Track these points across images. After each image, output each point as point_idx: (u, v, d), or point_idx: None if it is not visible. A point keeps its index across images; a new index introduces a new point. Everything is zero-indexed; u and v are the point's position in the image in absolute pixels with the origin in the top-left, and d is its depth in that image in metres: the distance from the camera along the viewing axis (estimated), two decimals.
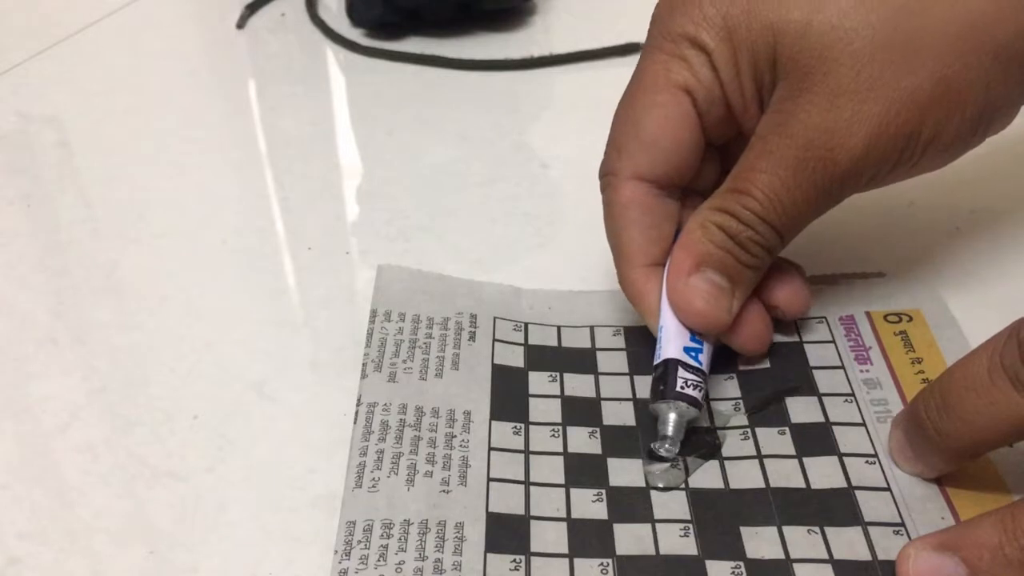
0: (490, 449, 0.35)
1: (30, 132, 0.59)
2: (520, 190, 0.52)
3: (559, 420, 0.37)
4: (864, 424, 0.36)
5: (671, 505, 0.34)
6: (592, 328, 0.41)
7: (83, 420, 0.39)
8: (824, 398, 0.37)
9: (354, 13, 0.67)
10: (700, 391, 0.35)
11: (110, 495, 0.36)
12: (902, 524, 0.32)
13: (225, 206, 0.52)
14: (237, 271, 0.47)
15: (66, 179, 0.54)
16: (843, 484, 0.34)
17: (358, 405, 0.37)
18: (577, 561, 0.32)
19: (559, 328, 0.41)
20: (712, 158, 0.39)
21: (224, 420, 0.38)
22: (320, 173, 0.54)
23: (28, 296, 0.45)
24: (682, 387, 0.35)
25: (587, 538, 0.33)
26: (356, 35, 0.67)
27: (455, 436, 0.36)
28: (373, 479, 0.34)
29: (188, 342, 0.42)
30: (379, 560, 0.31)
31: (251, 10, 0.71)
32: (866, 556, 0.31)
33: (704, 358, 0.36)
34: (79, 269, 0.47)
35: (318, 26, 0.68)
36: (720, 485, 0.34)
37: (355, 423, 0.36)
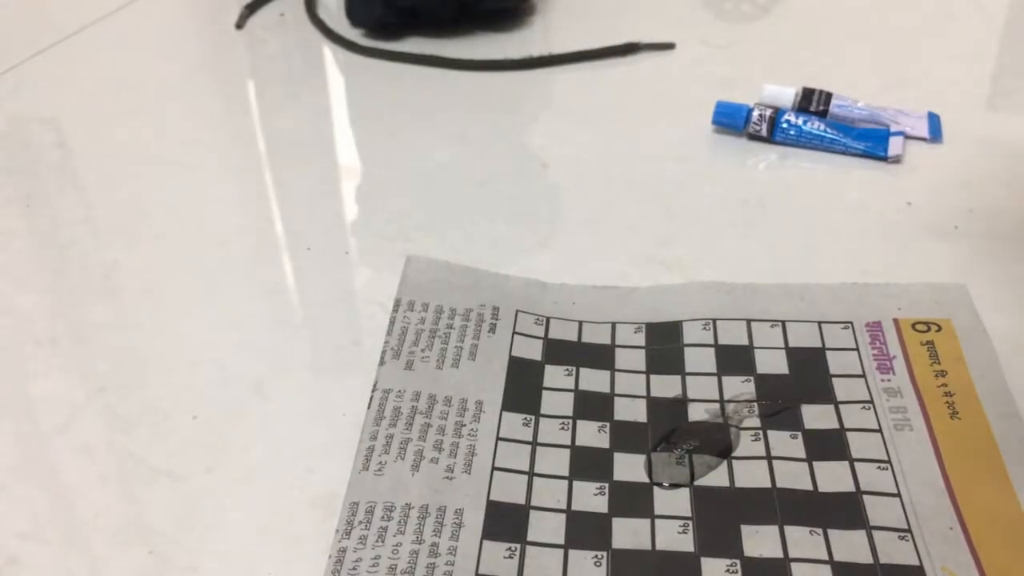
0: (498, 439, 0.36)
1: (30, 132, 0.59)
2: (520, 190, 0.52)
3: (570, 413, 0.37)
4: (880, 431, 0.35)
5: (674, 501, 0.34)
6: (614, 324, 0.41)
7: (83, 420, 0.39)
8: (841, 405, 0.36)
9: (353, 13, 0.67)
10: None
11: (110, 495, 0.36)
12: (908, 531, 0.32)
13: (225, 206, 0.52)
14: (237, 271, 0.47)
15: (65, 179, 0.54)
16: (851, 488, 0.33)
17: (373, 391, 0.37)
18: (572, 552, 0.32)
19: (580, 323, 0.41)
20: None
21: (224, 420, 0.38)
22: (320, 173, 0.54)
23: (28, 296, 0.45)
24: None
25: (584, 530, 0.33)
26: (355, 35, 0.67)
27: (464, 425, 0.36)
28: (380, 463, 0.34)
29: (188, 342, 0.42)
30: (377, 541, 0.32)
31: (250, 10, 0.71)
32: (868, 559, 0.31)
33: None
34: (78, 269, 0.47)
35: (317, 26, 0.68)
36: (726, 483, 0.34)
37: (368, 408, 0.36)
